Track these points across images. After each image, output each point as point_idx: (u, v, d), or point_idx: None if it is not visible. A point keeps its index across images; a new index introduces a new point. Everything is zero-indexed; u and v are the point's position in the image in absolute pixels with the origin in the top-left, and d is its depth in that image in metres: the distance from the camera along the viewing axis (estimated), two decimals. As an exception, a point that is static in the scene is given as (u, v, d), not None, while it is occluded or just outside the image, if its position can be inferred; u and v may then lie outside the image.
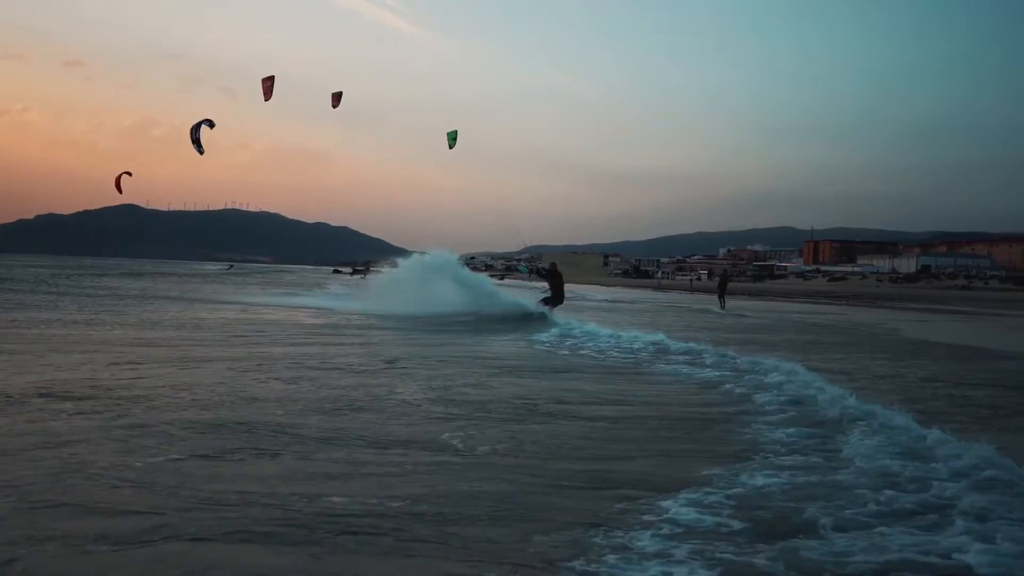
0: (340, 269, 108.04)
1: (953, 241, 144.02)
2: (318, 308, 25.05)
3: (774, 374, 10.88)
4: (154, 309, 22.47)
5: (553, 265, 23.14)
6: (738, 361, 12.66)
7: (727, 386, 10.23)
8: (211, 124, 23.33)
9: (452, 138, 24.31)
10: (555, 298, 22.00)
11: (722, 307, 37.94)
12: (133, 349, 12.57)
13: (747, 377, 10.92)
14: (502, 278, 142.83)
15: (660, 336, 16.58)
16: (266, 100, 21.87)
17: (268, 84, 21.59)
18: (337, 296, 32.62)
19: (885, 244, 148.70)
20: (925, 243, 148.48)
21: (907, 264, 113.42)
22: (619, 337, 17.02)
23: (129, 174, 28.41)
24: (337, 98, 23.61)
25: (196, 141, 22.84)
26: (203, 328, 17.23)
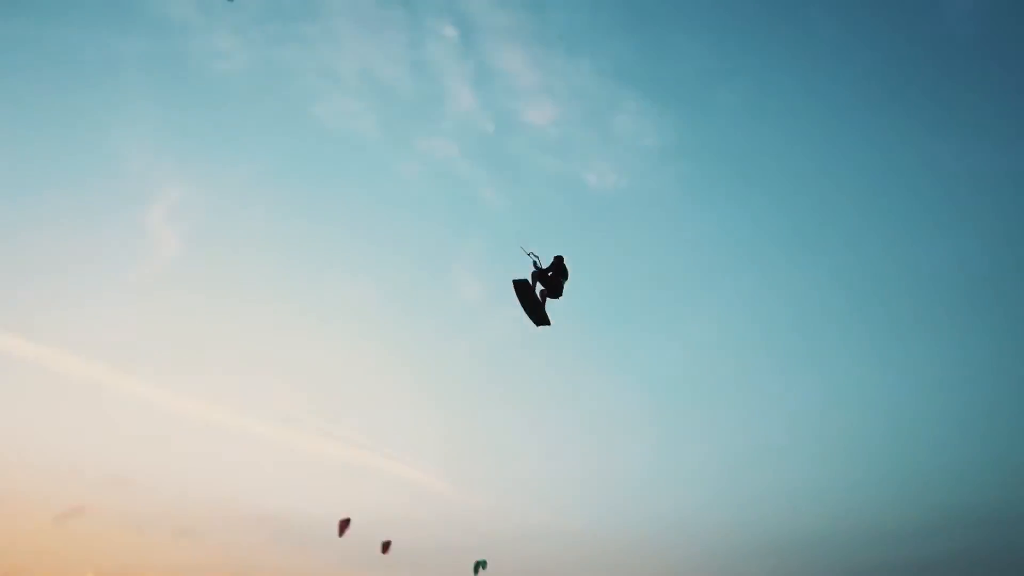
0: None
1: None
2: None
3: None
4: None
5: (560, 260, 16.72)
6: None
7: None
8: None
9: (484, 565, 25.65)
10: (552, 288, 16.83)
11: None
12: None
13: None
14: None
15: None
16: (340, 536, 23.98)
17: (344, 524, 24.07)
18: None
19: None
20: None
21: None
22: None
23: None
24: (386, 546, 25.42)
25: None
26: None
